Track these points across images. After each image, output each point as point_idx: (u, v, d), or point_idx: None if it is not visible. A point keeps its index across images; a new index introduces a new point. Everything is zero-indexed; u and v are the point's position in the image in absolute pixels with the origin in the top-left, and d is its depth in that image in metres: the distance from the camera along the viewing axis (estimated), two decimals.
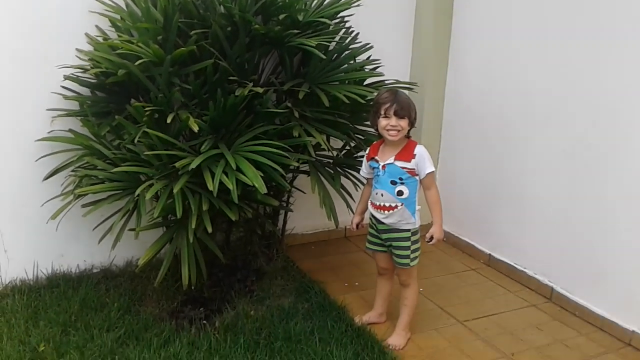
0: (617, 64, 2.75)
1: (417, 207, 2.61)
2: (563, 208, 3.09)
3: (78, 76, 2.83)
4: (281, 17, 2.72)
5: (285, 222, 3.46)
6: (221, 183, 2.37)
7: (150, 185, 2.41)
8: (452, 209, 3.81)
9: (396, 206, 2.57)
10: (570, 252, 3.07)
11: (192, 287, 2.64)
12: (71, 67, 2.84)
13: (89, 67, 2.78)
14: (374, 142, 2.72)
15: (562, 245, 3.12)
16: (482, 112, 3.60)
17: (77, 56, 2.89)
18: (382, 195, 2.59)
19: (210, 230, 2.45)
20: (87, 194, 2.57)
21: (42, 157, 2.91)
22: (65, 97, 2.86)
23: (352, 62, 3.06)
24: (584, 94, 2.93)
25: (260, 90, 2.62)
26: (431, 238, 2.61)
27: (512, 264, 3.44)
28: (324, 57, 2.77)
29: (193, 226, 2.41)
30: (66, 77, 2.84)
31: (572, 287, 3.08)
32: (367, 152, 2.71)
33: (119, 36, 2.78)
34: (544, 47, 3.13)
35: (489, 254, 3.62)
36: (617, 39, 2.74)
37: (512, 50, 3.35)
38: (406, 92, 3.21)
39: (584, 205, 2.97)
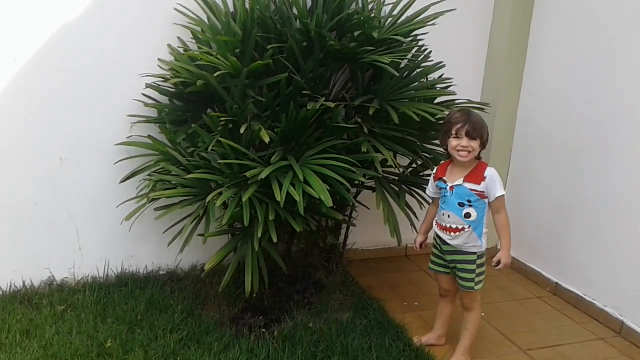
0: None
1: (485, 230, 2.57)
2: (636, 239, 2.95)
3: (159, 85, 2.96)
4: (356, 34, 2.76)
5: (347, 236, 3.47)
6: (288, 194, 2.41)
7: (221, 193, 2.49)
8: (519, 234, 3.69)
9: (463, 228, 2.53)
10: None
11: (254, 295, 2.69)
12: (153, 75, 2.97)
13: (169, 77, 2.90)
14: (442, 162, 2.69)
15: (634, 277, 2.97)
16: (556, 136, 3.50)
17: (159, 66, 3.02)
18: (449, 216, 2.56)
19: (275, 240, 2.50)
20: (160, 198, 2.68)
21: (120, 160, 3.04)
22: (146, 105, 2.99)
23: (423, 80, 3.06)
24: None
25: (331, 105, 2.65)
26: (498, 263, 2.55)
27: (581, 294, 3.31)
28: (396, 74, 2.78)
29: (259, 235, 2.46)
30: (148, 86, 2.97)
31: None
32: (434, 171, 2.68)
33: (199, 48, 2.89)
34: (623, 72, 3.02)
35: (556, 283, 3.49)
36: None
37: (589, 74, 3.25)
38: (478, 112, 3.19)
39: None
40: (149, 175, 2.86)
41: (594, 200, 3.23)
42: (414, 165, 3.11)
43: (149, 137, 2.93)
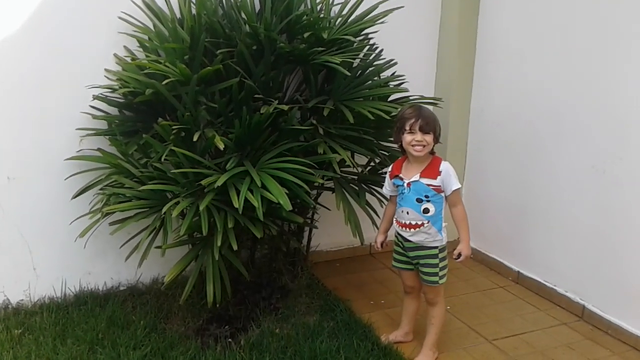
0: None
1: (444, 224, 2.59)
2: (594, 224, 3.03)
3: (107, 96, 2.88)
4: (306, 35, 2.74)
5: (309, 239, 3.45)
6: (246, 200, 2.38)
7: (177, 203, 2.43)
8: (479, 225, 3.76)
9: (422, 224, 2.54)
10: (602, 269, 3.00)
11: (217, 305, 2.64)
12: (100, 87, 2.89)
13: (117, 87, 2.82)
14: (397, 159, 2.70)
15: (593, 262, 3.05)
16: (509, 127, 3.56)
17: (105, 76, 2.94)
18: (407, 213, 2.56)
19: (235, 247, 2.46)
20: (114, 212, 2.60)
21: (70, 175, 2.95)
22: (94, 117, 2.91)
23: (376, 78, 3.07)
24: (613, 108, 2.88)
25: (285, 107, 2.63)
26: (459, 255, 2.58)
27: (542, 281, 3.37)
28: (348, 74, 2.78)
29: (219, 243, 2.42)
30: (95, 97, 2.89)
31: (604, 305, 3.00)
32: (390, 169, 2.69)
33: (146, 56, 2.83)
34: (572, 62, 3.09)
35: (518, 271, 3.55)
36: None
37: (539, 65, 3.31)
38: (431, 107, 3.22)
39: (616, 221, 2.91)
40: (101, 189, 2.78)
41: (547, 188, 3.30)
42: (372, 164, 3.11)
43: (99, 150, 2.85)
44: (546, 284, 3.35)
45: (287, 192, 2.45)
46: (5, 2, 2.77)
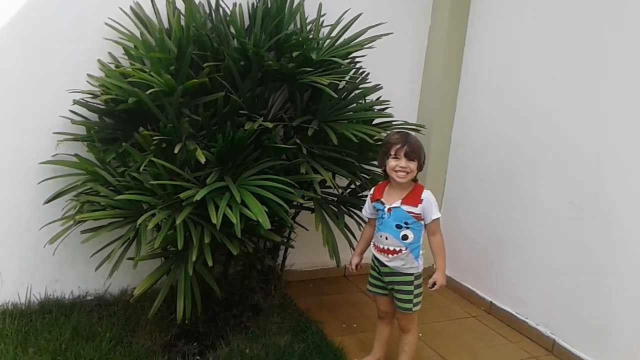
0: (632, 116, 2.75)
1: (422, 252, 2.58)
2: (567, 259, 3.05)
3: (87, 101, 2.83)
4: (294, 54, 2.74)
5: (285, 257, 3.42)
6: (224, 216, 2.34)
7: (153, 215, 2.38)
8: (455, 254, 3.75)
9: (400, 250, 2.54)
10: (574, 305, 3.02)
11: (187, 321, 2.58)
12: (81, 92, 2.84)
13: (99, 93, 2.78)
14: (379, 183, 2.70)
15: (565, 297, 3.07)
16: (488, 158, 3.59)
17: (87, 81, 2.90)
18: (386, 238, 2.56)
19: (210, 264, 2.41)
20: (87, 220, 2.54)
21: (44, 180, 2.88)
22: (73, 122, 2.85)
23: (361, 101, 3.08)
24: (592, 145, 2.93)
25: (269, 125, 2.61)
26: (434, 284, 2.57)
27: (514, 313, 3.38)
28: (334, 95, 2.78)
29: (193, 259, 2.37)
30: (75, 102, 2.84)
31: (574, 340, 3.02)
32: (371, 192, 2.69)
33: (131, 64, 2.79)
34: (554, 96, 3.14)
35: (490, 302, 3.56)
36: (632, 90, 2.75)
37: (521, 97, 3.36)
38: (413, 134, 3.24)
39: (590, 257, 2.93)
40: (75, 196, 2.71)
41: (524, 221, 3.33)
42: (353, 186, 3.11)
43: (76, 155, 2.79)
44: (518, 315, 3.35)
45: (266, 210, 2.42)
46: None
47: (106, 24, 2.90)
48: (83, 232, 2.68)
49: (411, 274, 2.57)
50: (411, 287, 2.57)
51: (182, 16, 2.88)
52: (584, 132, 2.97)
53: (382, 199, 2.59)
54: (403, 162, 2.48)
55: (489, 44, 3.61)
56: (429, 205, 2.53)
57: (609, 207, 2.84)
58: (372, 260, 2.69)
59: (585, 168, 2.96)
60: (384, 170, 2.58)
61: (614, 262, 2.82)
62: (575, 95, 3.01)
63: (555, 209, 3.13)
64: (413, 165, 2.49)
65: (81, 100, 2.83)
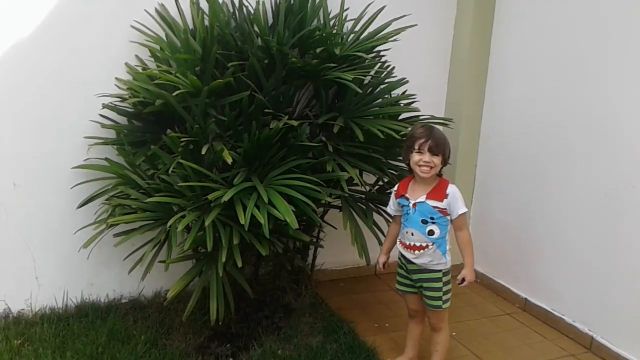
0: None
1: (448, 247, 2.54)
2: (604, 253, 2.96)
3: (116, 105, 2.86)
4: (318, 50, 2.72)
5: (315, 257, 3.40)
6: (252, 216, 2.34)
7: (183, 217, 2.40)
8: (487, 249, 3.71)
9: (427, 246, 2.50)
10: (612, 300, 2.93)
11: (220, 322, 2.59)
12: (110, 95, 2.88)
13: (127, 97, 2.80)
14: (404, 179, 2.66)
15: (602, 292, 2.98)
16: (519, 150, 3.51)
17: (116, 85, 2.93)
18: (412, 234, 2.52)
19: (240, 264, 2.42)
20: (119, 223, 2.57)
21: (77, 184, 2.93)
22: (103, 126, 2.89)
23: (387, 96, 3.04)
24: (627, 133, 2.83)
25: (295, 123, 2.60)
26: (462, 280, 2.53)
27: (550, 309, 3.30)
28: (360, 90, 2.74)
29: (223, 260, 2.37)
30: (104, 106, 2.87)
31: (613, 337, 2.92)
32: (395, 188, 2.65)
33: (157, 66, 2.81)
34: (584, 84, 3.05)
35: (525, 298, 3.48)
36: None
37: (551, 86, 3.28)
38: (441, 128, 3.18)
39: (628, 251, 2.84)
40: (107, 199, 2.75)
41: (557, 214, 3.24)
42: (380, 183, 3.07)
43: (106, 159, 2.83)
44: (554, 312, 3.27)
45: (294, 209, 2.41)
46: (19, 5, 2.77)
47: (132, 26, 2.93)
48: (116, 235, 2.72)
49: (439, 270, 2.53)
50: (440, 284, 2.53)
51: (206, 16, 2.89)
52: (618, 120, 2.88)
53: (407, 195, 2.56)
54: (427, 156, 2.44)
55: (516, 31, 3.52)
56: (455, 200, 2.49)
57: None
58: (399, 258, 2.65)
59: (621, 157, 2.87)
60: (408, 165, 2.55)
61: None
62: (609, 82, 2.92)
63: (590, 201, 3.04)
64: (437, 159, 2.45)
65: (110, 104, 2.87)
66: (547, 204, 3.32)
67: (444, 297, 2.55)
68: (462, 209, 2.50)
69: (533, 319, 3.35)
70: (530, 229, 3.44)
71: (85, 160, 2.96)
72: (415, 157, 2.48)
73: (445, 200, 2.49)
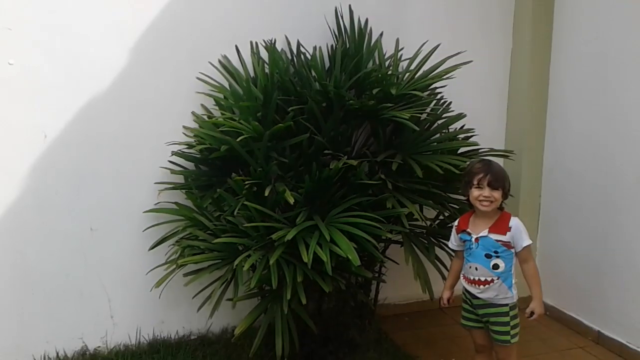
0: None
1: (515, 281, 2.52)
2: None
3: (184, 152, 3.02)
4: (375, 91, 2.80)
5: (377, 292, 3.41)
6: (315, 254, 2.40)
7: (248, 256, 2.49)
8: (556, 282, 3.62)
9: (492, 280, 2.48)
10: None
11: (285, 358, 2.64)
12: (178, 143, 3.04)
13: (194, 144, 2.96)
14: (464, 214, 2.67)
15: None
16: (584, 179, 3.44)
17: (184, 133, 3.10)
18: (476, 269, 2.51)
19: (304, 301, 2.48)
20: (188, 263, 2.69)
21: (148, 227, 3.08)
22: (172, 172, 3.04)
23: (445, 131, 3.07)
24: None
25: (354, 162, 2.67)
26: (532, 313, 2.49)
27: (624, 342, 3.18)
28: (416, 128, 2.79)
29: (288, 297, 2.44)
30: (174, 153, 3.04)
31: None
32: (456, 223, 2.66)
33: (222, 114, 2.96)
34: None
35: (598, 331, 3.36)
36: None
37: (615, 111, 3.21)
38: (503, 160, 3.17)
39: None
40: (177, 241, 2.89)
41: (627, 244, 3.14)
42: (441, 217, 3.08)
43: (176, 203, 2.98)
44: (629, 345, 3.14)
45: (355, 246, 2.46)
46: (94, 61, 2.98)
47: (198, 78, 3.10)
48: (185, 274, 2.84)
49: (506, 305, 2.50)
50: (507, 319, 2.50)
51: (266, 64, 3.04)
52: None
53: (469, 229, 2.56)
54: (487, 191, 2.45)
55: (576, 60, 3.50)
56: (519, 232, 2.47)
57: None
58: (463, 294, 2.64)
59: None
60: (468, 200, 2.56)
61: None
62: None
63: None
64: (497, 194, 2.45)
65: (179, 151, 3.03)
66: (619, 233, 3.22)
67: (512, 332, 2.52)
68: (527, 241, 2.48)
69: (607, 352, 3.23)
70: (602, 259, 3.34)
71: (156, 204, 3.11)
72: (475, 192, 2.49)
73: (508, 233, 2.48)
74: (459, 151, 3.02)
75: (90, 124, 3.01)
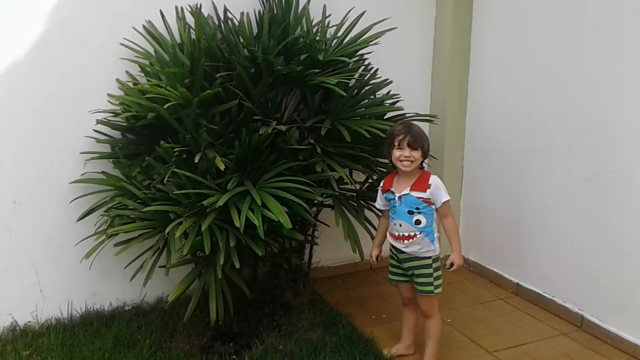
0: None
1: (436, 235, 2.67)
2: (589, 235, 3.08)
3: (110, 120, 2.96)
4: (302, 57, 2.82)
5: (311, 255, 3.50)
6: (247, 219, 2.44)
7: (180, 224, 2.49)
8: (478, 238, 3.83)
9: (415, 235, 2.61)
10: (599, 279, 3.04)
11: (220, 323, 2.69)
12: (103, 111, 2.97)
13: (120, 111, 2.90)
14: (388, 175, 2.78)
15: (590, 272, 3.09)
16: (504, 141, 3.63)
17: (109, 101, 3.02)
18: (400, 225, 2.64)
19: (237, 265, 2.51)
20: (119, 233, 2.66)
21: (75, 198, 3.02)
22: (98, 141, 2.98)
23: (372, 97, 3.14)
24: (606, 120, 2.95)
25: (283, 128, 2.70)
26: (451, 265, 2.65)
27: (541, 292, 3.42)
28: (344, 94, 2.85)
29: (221, 262, 2.47)
30: (99, 122, 2.97)
31: (602, 314, 3.04)
32: (381, 184, 2.77)
33: (148, 81, 2.91)
34: (565, 74, 3.16)
35: (517, 283, 3.59)
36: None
37: (532, 79, 3.39)
38: (428, 125, 3.29)
39: (611, 230, 2.96)
40: (105, 211, 2.85)
41: (545, 201, 3.35)
42: (370, 180, 3.18)
43: (103, 172, 2.92)
44: (545, 295, 3.39)
45: (287, 210, 2.51)
46: (12, 28, 2.86)
47: (121, 44, 3.02)
48: (116, 244, 2.81)
49: (429, 257, 2.65)
50: (430, 270, 2.65)
51: (192, 30, 2.99)
52: (598, 107, 2.99)
53: (392, 189, 2.68)
54: (407, 151, 2.57)
55: (496, 25, 3.63)
56: (437, 189, 2.61)
57: (624, 181, 2.86)
58: (390, 250, 2.76)
59: (599, 144, 2.98)
60: (391, 161, 2.67)
61: (634, 235, 2.84)
62: (588, 70, 3.03)
63: (572, 186, 3.15)
64: (417, 154, 2.57)
65: (104, 120, 2.96)
66: (534, 193, 3.43)
67: (435, 283, 2.67)
68: (445, 197, 2.62)
69: (525, 303, 3.47)
70: (519, 218, 3.55)
71: (82, 174, 3.05)
72: (396, 153, 2.60)
73: (428, 190, 2.61)
74: (386, 116, 3.11)
75: (9, 92, 2.89)
